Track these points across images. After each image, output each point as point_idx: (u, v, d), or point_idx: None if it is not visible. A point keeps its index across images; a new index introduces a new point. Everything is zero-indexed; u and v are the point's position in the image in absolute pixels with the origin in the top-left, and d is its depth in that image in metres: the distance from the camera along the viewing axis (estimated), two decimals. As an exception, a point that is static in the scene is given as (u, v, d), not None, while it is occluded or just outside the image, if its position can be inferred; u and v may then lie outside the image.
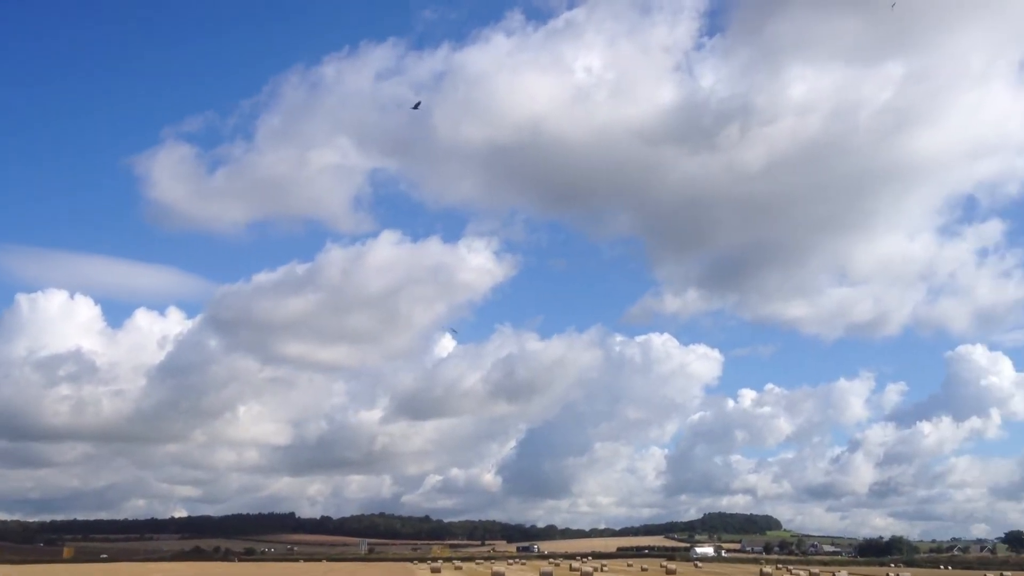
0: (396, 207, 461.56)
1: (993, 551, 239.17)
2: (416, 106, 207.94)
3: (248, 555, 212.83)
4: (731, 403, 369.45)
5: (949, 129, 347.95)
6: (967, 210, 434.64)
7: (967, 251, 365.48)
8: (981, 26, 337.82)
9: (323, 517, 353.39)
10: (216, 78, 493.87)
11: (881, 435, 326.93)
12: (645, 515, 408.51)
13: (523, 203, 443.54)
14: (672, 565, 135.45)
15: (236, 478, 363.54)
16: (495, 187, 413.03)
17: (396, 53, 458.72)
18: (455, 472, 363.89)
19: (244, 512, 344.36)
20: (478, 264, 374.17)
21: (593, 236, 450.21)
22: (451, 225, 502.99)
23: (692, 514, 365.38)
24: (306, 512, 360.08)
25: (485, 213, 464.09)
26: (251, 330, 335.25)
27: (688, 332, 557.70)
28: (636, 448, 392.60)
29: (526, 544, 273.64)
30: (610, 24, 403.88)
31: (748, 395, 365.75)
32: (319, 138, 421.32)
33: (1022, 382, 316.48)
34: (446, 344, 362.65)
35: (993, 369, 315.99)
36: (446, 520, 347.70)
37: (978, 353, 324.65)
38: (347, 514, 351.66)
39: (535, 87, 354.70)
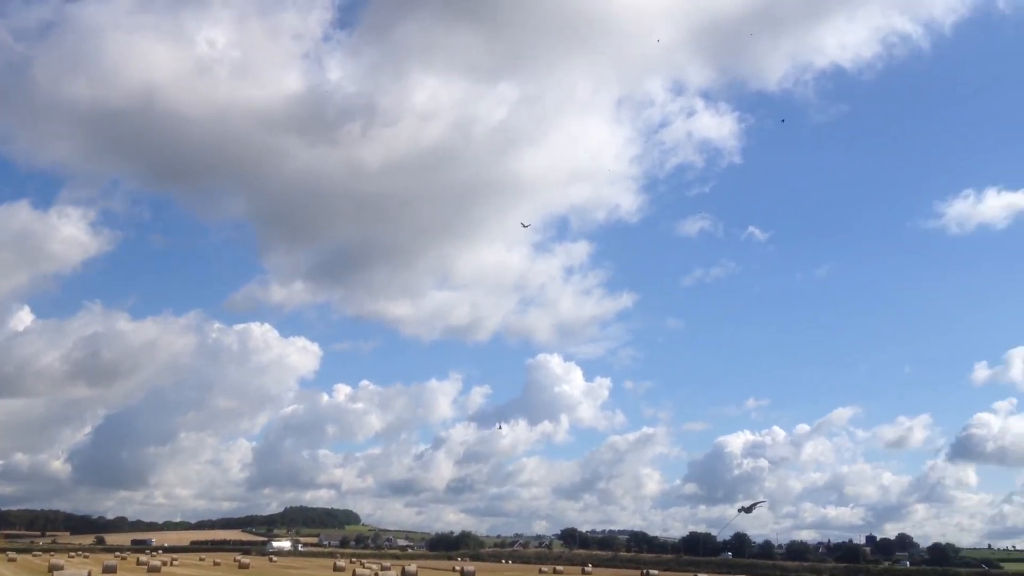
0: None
1: (549, 546, 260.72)
2: None
3: None
4: (325, 397, 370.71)
5: (551, 153, 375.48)
6: (560, 230, 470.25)
7: (556, 267, 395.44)
8: (586, 61, 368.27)
9: None
10: None
11: (463, 434, 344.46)
12: (225, 508, 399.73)
13: (128, 173, 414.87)
14: (246, 559, 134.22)
15: None
16: (97, 153, 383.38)
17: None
18: (19, 457, 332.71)
19: None
20: (70, 234, 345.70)
21: (202, 216, 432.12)
22: (43, 189, 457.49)
23: (274, 508, 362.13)
24: None
25: (83, 179, 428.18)
26: None
27: (290, 324, 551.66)
28: (223, 439, 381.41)
29: (143, 538, 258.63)
30: (240, 0, 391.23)
31: (343, 390, 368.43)
32: None
33: (589, 391, 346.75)
34: (23, 317, 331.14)
35: (566, 378, 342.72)
36: (3, 508, 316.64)
37: (554, 362, 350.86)
38: None
39: (153, 53, 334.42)
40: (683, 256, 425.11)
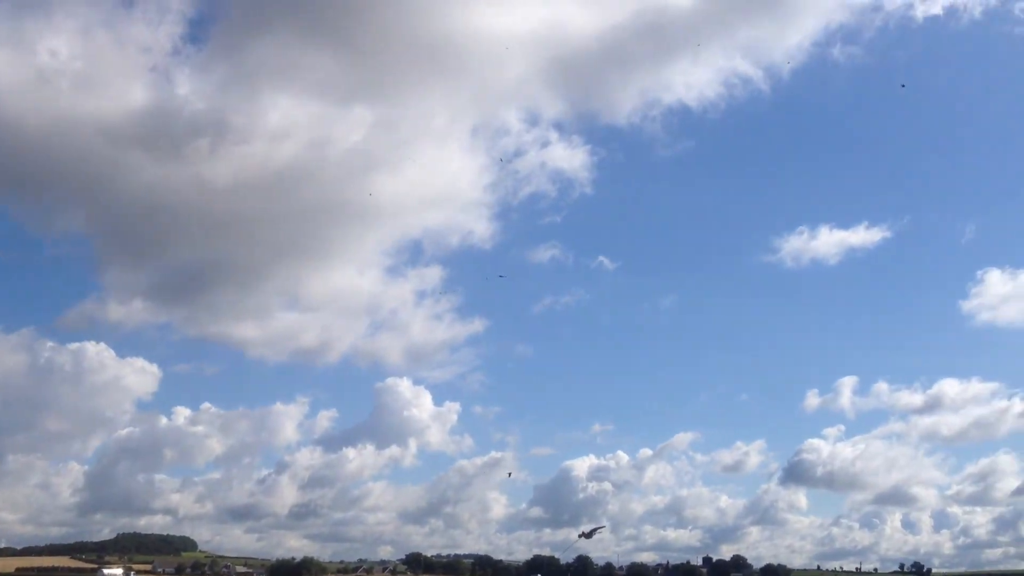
0: None
1: (394, 571, 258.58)
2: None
3: None
4: (164, 420, 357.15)
5: (407, 178, 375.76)
6: (413, 254, 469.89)
7: (409, 291, 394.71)
8: (444, 88, 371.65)
9: None
10: None
11: (308, 459, 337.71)
12: (54, 534, 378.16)
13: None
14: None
15: None
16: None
17: None
18: None
19: None
20: None
21: (36, 230, 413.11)
22: None
23: (106, 534, 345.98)
24: None
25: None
26: None
27: (128, 344, 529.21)
28: (53, 462, 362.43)
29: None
30: (85, 10, 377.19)
31: (183, 412, 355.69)
32: None
33: (438, 415, 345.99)
34: None
35: (415, 402, 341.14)
36: None
37: (404, 386, 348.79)
38: None
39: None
40: (534, 283, 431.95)
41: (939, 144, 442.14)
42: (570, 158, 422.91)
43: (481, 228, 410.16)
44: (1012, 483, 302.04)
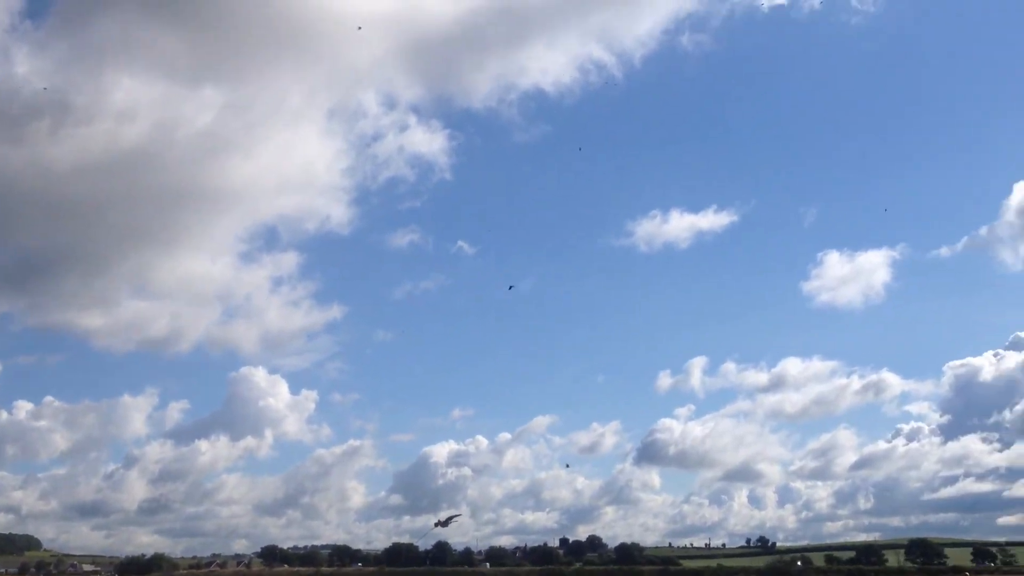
0: None
1: (248, 565, 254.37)
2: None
3: None
4: (4, 414, 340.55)
5: (261, 162, 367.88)
6: (268, 240, 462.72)
7: (264, 278, 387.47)
8: (297, 70, 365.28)
9: None
10: None
11: (159, 452, 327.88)
12: None
13: None
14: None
15: None
16: None
17: None
18: None
19: None
20: None
21: None
22: None
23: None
24: None
25: None
26: None
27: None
28: None
29: None
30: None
31: (24, 407, 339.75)
32: None
33: (295, 405, 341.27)
34: None
35: (271, 391, 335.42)
36: None
37: (259, 375, 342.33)
38: None
39: None
40: (393, 269, 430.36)
41: (782, 131, 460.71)
42: (429, 142, 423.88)
43: (339, 213, 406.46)
44: (851, 458, 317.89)
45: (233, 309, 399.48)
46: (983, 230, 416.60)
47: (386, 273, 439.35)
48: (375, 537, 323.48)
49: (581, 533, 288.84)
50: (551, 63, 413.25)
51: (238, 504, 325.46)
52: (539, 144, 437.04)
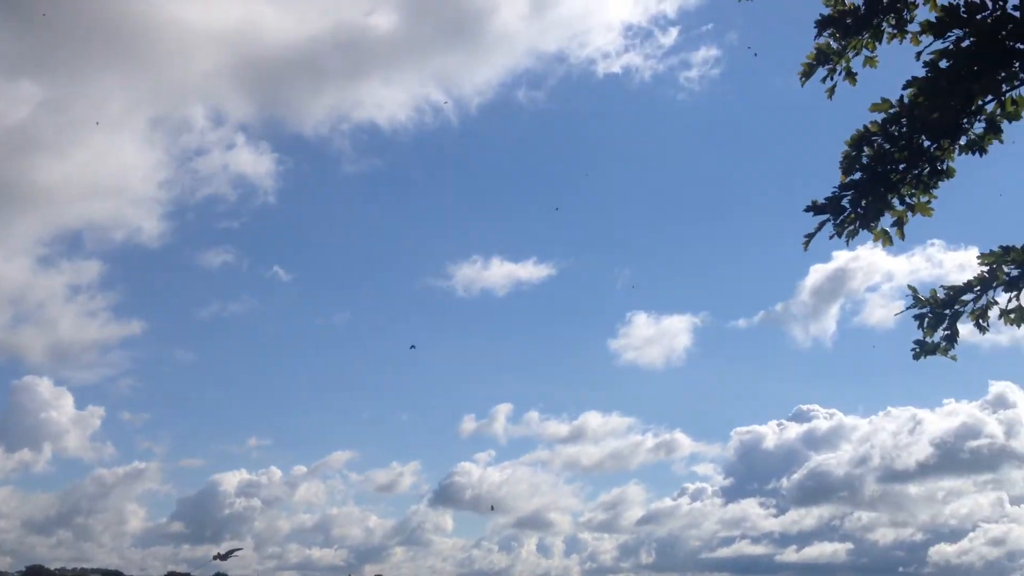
0: None
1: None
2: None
3: None
4: None
5: (73, 164, 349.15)
6: (71, 246, 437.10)
7: (61, 285, 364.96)
8: (125, 74, 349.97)
9: None
10: None
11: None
12: None
13: None
14: None
15: None
16: None
17: None
18: None
19: None
20: None
21: None
22: None
23: None
24: None
25: None
26: None
27: None
28: None
29: None
30: None
31: None
32: None
33: (79, 420, 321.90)
34: None
35: (55, 404, 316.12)
36: None
37: (44, 386, 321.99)
38: None
39: None
40: (202, 288, 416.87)
41: (606, 194, 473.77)
42: (255, 163, 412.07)
43: (150, 226, 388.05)
44: (638, 512, 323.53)
45: (24, 314, 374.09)
46: (779, 306, 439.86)
47: (193, 292, 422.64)
48: (150, 564, 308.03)
49: (368, 572, 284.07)
50: (388, 99, 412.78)
51: (6, 519, 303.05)
52: (368, 177, 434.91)
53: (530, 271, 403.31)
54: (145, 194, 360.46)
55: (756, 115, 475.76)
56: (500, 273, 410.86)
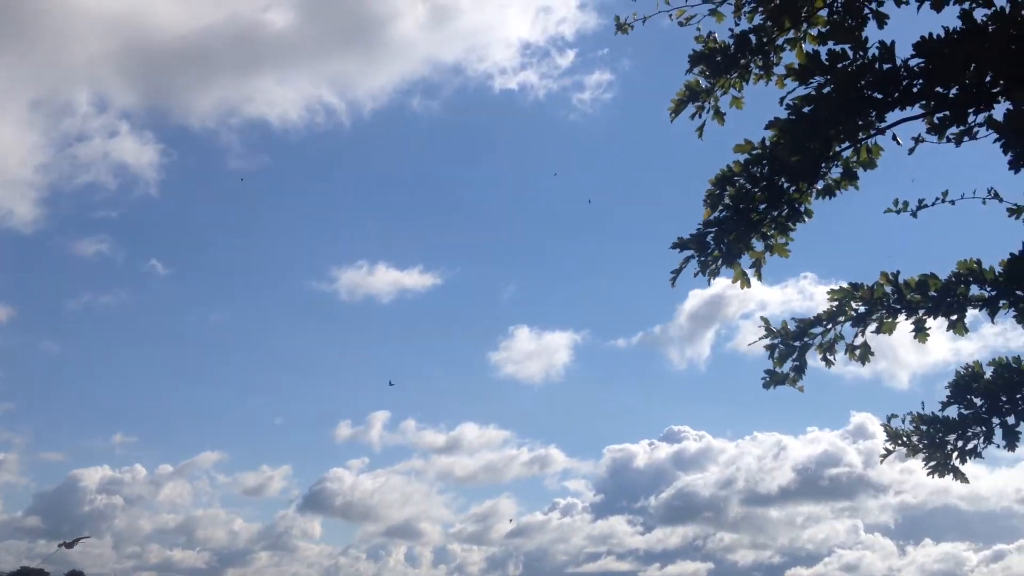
0: None
1: None
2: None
3: None
4: None
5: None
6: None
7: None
8: (4, 54, 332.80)
9: None
10: None
11: None
12: None
13: None
14: None
15: None
16: None
17: None
18: None
19: None
20: None
21: None
22: None
23: None
24: None
25: None
26: None
27: None
28: None
29: None
30: None
31: None
32: None
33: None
34: None
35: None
36: None
37: None
38: None
39: None
40: (73, 278, 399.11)
41: (494, 207, 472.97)
42: (137, 153, 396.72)
43: (23, 210, 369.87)
44: (508, 526, 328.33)
45: None
46: (657, 328, 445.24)
47: (64, 281, 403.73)
48: (3, 559, 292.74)
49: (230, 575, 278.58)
50: (280, 97, 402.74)
51: None
52: (256, 175, 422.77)
53: (415, 279, 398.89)
54: (20, 177, 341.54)
55: (643, 141, 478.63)
56: (385, 280, 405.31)
